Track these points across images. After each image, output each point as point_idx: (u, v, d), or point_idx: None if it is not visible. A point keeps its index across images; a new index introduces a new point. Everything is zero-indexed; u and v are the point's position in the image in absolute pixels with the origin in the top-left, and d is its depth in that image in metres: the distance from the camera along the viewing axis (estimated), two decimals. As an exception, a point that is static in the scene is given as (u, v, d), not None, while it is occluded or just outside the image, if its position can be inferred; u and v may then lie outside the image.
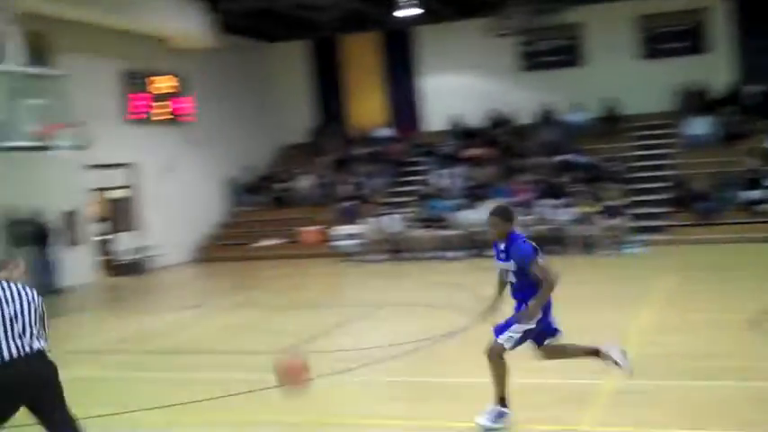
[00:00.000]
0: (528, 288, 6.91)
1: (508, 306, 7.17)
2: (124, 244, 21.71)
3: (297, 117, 27.92)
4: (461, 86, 26.53)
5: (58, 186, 19.30)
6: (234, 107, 26.12)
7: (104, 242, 21.39)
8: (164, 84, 23.20)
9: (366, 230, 21.31)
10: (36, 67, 15.92)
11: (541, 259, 6.91)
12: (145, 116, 22.56)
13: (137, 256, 21.61)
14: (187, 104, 23.83)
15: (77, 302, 17.35)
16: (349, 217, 22.33)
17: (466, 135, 25.45)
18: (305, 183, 25.01)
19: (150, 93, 22.77)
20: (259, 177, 26.49)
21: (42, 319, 5.86)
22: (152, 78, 22.85)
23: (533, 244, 6.99)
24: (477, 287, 14.93)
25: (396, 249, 20.65)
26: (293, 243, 22.64)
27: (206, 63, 24.48)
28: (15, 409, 5.73)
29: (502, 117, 25.45)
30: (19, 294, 5.77)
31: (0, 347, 5.57)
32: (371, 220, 21.62)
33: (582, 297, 13.04)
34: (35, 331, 5.75)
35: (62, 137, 15.01)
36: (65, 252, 19.20)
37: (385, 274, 18.93)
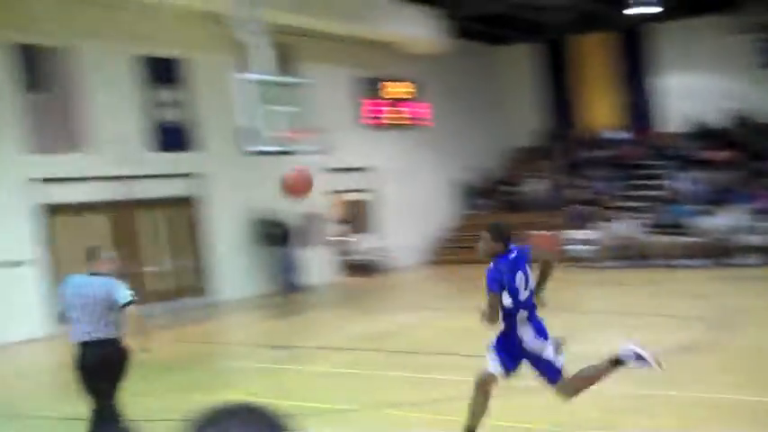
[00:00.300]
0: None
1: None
2: (362, 245, 22.51)
3: (526, 120, 27.73)
4: (699, 85, 25.29)
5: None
6: (464, 111, 26.35)
7: (342, 243, 22.26)
8: (398, 89, 23.83)
9: (600, 236, 20.76)
10: (282, 76, 16.79)
11: (492, 295, 6.52)
12: (380, 121, 23.27)
13: (372, 257, 22.33)
14: (423, 109, 24.34)
15: (317, 300, 18.17)
16: (579, 222, 21.87)
17: (705, 136, 24.22)
18: (535, 186, 24.78)
19: (384, 98, 23.46)
20: (489, 181, 26.56)
21: (114, 310, 6.73)
22: (385, 84, 23.53)
23: (499, 275, 6.56)
24: (717, 297, 14.23)
25: (631, 256, 19.97)
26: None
27: (438, 68, 24.84)
28: (89, 386, 6.68)
29: (743, 117, 24.00)
30: (98, 287, 6.79)
31: (75, 331, 6.64)
32: (605, 225, 21.05)
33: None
34: (105, 321, 6.64)
35: (305, 142, 15.70)
36: (306, 252, 20.17)
37: (619, 281, 18.33)
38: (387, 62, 23.45)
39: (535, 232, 22.09)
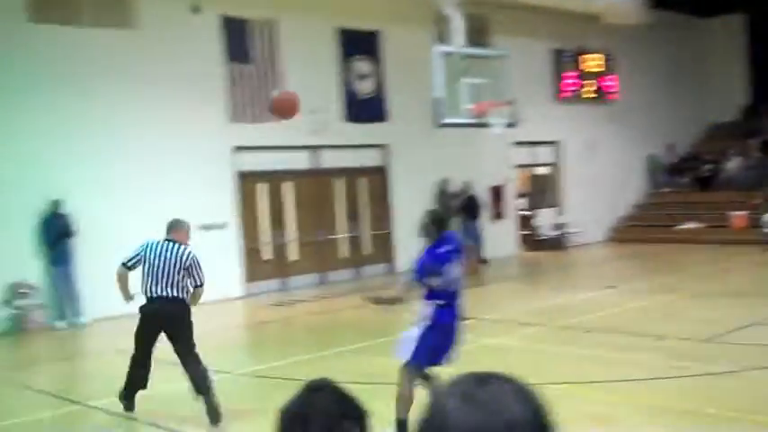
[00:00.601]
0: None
1: None
2: (544, 220, 22.42)
3: (727, 95, 26.50)
4: None
5: (487, 162, 20.47)
6: (659, 84, 25.49)
7: (526, 217, 22.27)
8: (592, 62, 23.40)
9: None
10: (477, 48, 16.94)
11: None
12: (573, 94, 22.97)
13: (556, 233, 22.21)
14: (615, 82, 23.79)
15: (498, 273, 18.33)
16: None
17: None
18: (733, 164, 23.70)
19: (579, 71, 23.10)
20: (682, 158, 25.65)
21: (189, 274, 7.95)
22: (582, 56, 23.16)
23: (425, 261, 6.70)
24: None
25: None
26: (718, 227, 21.58)
27: (634, 39, 24.13)
28: (156, 335, 8.00)
29: None
30: (172, 252, 7.93)
31: (149, 289, 7.81)
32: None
33: None
34: (176, 282, 7.86)
35: (496, 115, 15.81)
36: (490, 225, 20.37)
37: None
38: (581, 33, 23.02)
39: (733, 213, 21.28)
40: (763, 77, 26.13)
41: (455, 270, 6.95)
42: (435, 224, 7.21)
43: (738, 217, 21.24)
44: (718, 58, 26.93)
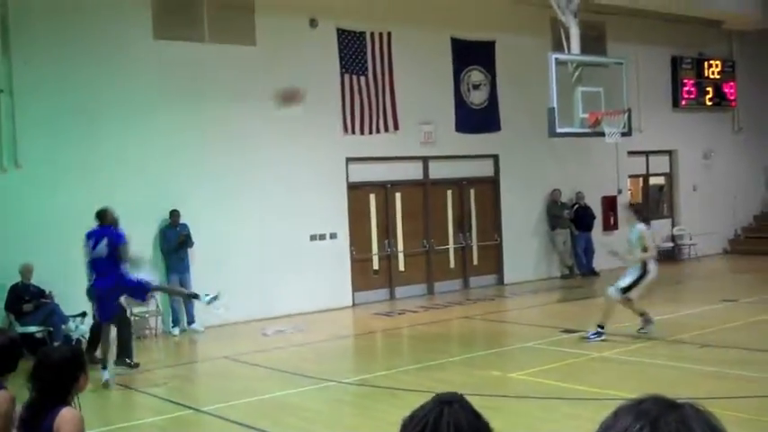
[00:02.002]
0: None
1: None
2: (660, 231, 21.80)
3: None
4: None
5: (600, 172, 20.10)
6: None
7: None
8: (712, 68, 22.70)
9: None
10: (593, 56, 16.70)
11: None
12: (691, 102, 22.32)
13: (670, 244, 21.60)
14: (732, 89, 23.02)
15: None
16: None
17: None
18: None
19: (698, 78, 22.44)
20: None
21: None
22: (701, 63, 22.50)
23: None
24: None
25: None
26: None
27: (759, 45, 23.33)
28: None
29: None
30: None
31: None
32: None
33: None
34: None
35: (611, 123, 15.53)
36: (602, 236, 19.98)
37: None
38: (700, 40, 22.39)
39: None
40: None
41: None
42: None
43: None
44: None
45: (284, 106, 12.38)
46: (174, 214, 14.30)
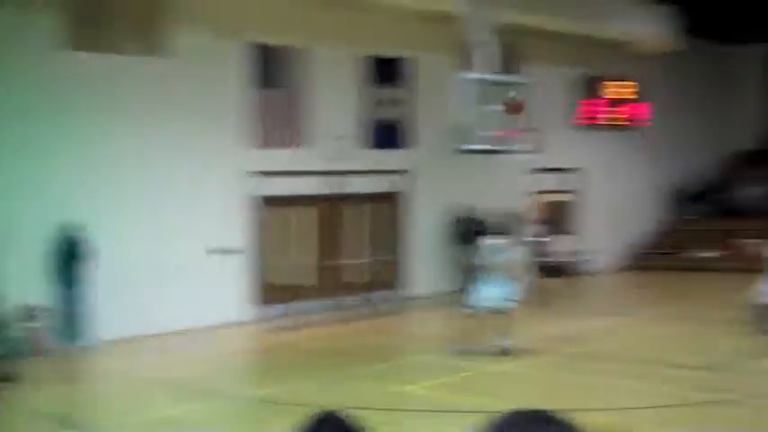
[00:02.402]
0: None
1: None
2: (559, 247, 22.42)
3: (750, 123, 26.52)
4: None
5: (506, 188, 20.49)
6: (686, 112, 25.49)
7: (539, 243, 22.23)
8: (618, 89, 23.53)
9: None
10: (502, 75, 17.14)
11: None
12: (595, 121, 23.08)
13: (572, 259, 22.21)
14: (642, 110, 23.89)
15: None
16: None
17: None
18: (752, 193, 23.73)
19: (604, 98, 23.27)
20: (703, 185, 25.67)
21: None
22: (607, 83, 23.35)
23: None
24: None
25: None
26: (735, 256, 21.61)
27: (663, 67, 24.17)
28: None
29: None
30: None
31: None
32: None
33: None
34: None
35: (518, 141, 15.91)
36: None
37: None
38: (610, 61, 23.08)
39: (750, 241, 21.34)
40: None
41: None
42: None
43: (750, 245, 21.22)
44: (743, 86, 27.00)
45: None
46: (68, 227, 13.73)
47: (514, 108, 15.47)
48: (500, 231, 12.43)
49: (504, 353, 11.78)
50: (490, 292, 11.92)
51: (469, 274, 19.29)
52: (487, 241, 12.18)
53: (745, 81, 26.86)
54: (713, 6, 22.18)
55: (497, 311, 11.90)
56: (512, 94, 14.94)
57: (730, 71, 27.01)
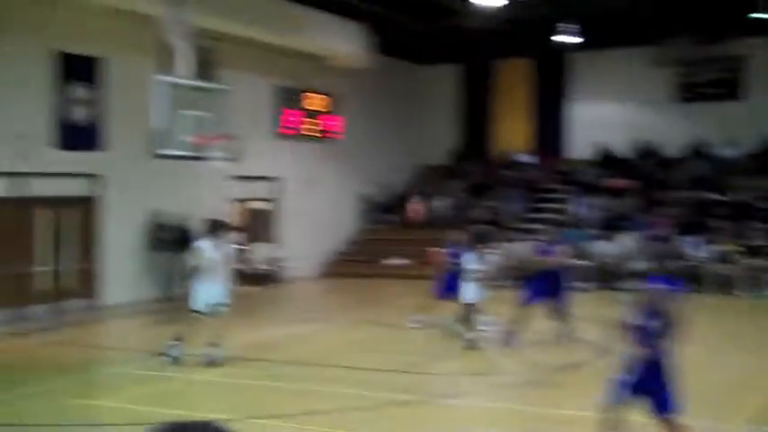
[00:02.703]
0: None
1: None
2: (259, 254, 22.54)
3: (442, 139, 28.23)
4: (612, 115, 26.18)
5: (205, 195, 20.24)
6: (379, 126, 26.68)
7: (241, 251, 22.22)
8: (316, 101, 24.08)
9: (496, 256, 21.28)
10: (202, 81, 16.83)
11: None
12: (293, 131, 23.43)
13: (270, 267, 22.38)
14: (337, 122, 24.62)
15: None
16: (481, 241, 22.32)
17: (610, 164, 25.14)
18: (439, 204, 25.29)
19: (301, 109, 23.66)
20: (394, 196, 26.96)
21: None
22: (306, 95, 23.77)
23: None
24: (603, 320, 14.84)
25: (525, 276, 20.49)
26: (423, 263, 22.74)
27: (359, 82, 25.07)
28: None
29: (649, 148, 25.00)
30: None
31: None
32: (503, 245, 21.63)
33: (712, 338, 12.88)
34: None
35: (216, 148, 15.71)
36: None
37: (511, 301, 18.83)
38: (308, 73, 23.60)
39: (434, 249, 22.63)
40: (470, 123, 28.21)
41: None
42: None
43: (439, 253, 22.45)
44: (435, 103, 28.72)
45: None
46: None
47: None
48: (205, 236, 12.12)
49: (212, 363, 11.50)
50: (206, 295, 11.68)
51: (184, 279, 18.81)
52: (199, 245, 11.83)
53: (437, 99, 28.56)
54: (405, 28, 23.32)
55: (213, 314, 11.70)
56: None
57: (423, 89, 28.62)
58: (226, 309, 11.97)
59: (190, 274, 11.84)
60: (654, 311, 6.76)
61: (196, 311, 11.74)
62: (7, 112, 16.20)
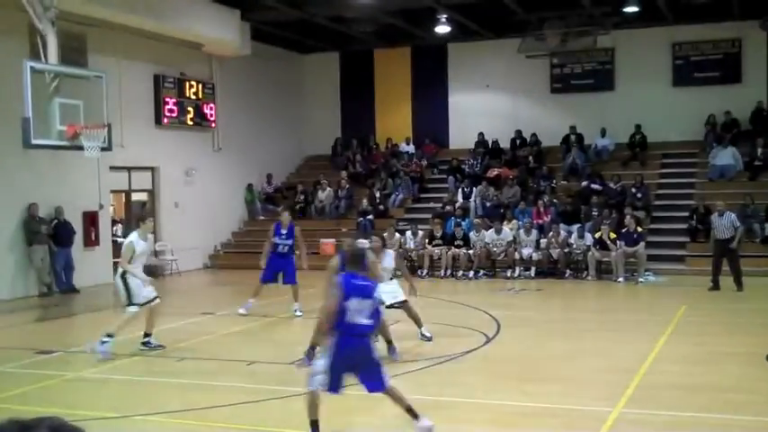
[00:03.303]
0: None
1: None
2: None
3: (323, 128, 28.04)
4: (490, 105, 26.59)
5: (81, 186, 19.51)
6: (261, 116, 26.26)
7: (121, 244, 21.51)
8: (194, 89, 23.45)
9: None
10: (75, 68, 16.14)
11: None
12: (173, 121, 22.77)
13: (152, 260, 21.72)
14: (212, 110, 24.07)
15: (89, 303, 17.47)
16: (365, 231, 22.34)
17: (490, 154, 25.51)
18: (325, 194, 25.07)
19: (180, 97, 22.98)
20: (278, 187, 26.59)
21: None
22: (183, 83, 23.09)
23: None
24: (487, 307, 15.04)
25: (409, 266, 20.60)
26: (312, 254, 22.47)
27: (237, 71, 24.68)
28: None
29: (528, 138, 25.50)
30: None
31: None
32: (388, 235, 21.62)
33: (594, 323, 13.13)
34: None
35: (90, 137, 15.13)
36: (83, 252, 19.47)
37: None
38: (183, 61, 23.02)
39: (323, 240, 22.49)
40: (352, 112, 28.12)
41: None
42: None
43: (327, 244, 22.39)
44: (316, 92, 28.50)
45: None
46: None
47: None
48: (132, 230, 11.95)
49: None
50: (141, 288, 11.68)
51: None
52: (131, 239, 11.63)
53: (318, 88, 28.39)
54: (276, 15, 22.99)
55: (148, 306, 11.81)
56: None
57: (306, 79, 28.39)
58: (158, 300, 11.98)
59: (122, 269, 11.52)
60: (351, 293, 7.07)
61: (135, 305, 11.55)
62: None
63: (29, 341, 13.17)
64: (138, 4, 18.84)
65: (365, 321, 7.09)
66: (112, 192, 21.13)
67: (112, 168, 20.23)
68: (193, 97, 23.44)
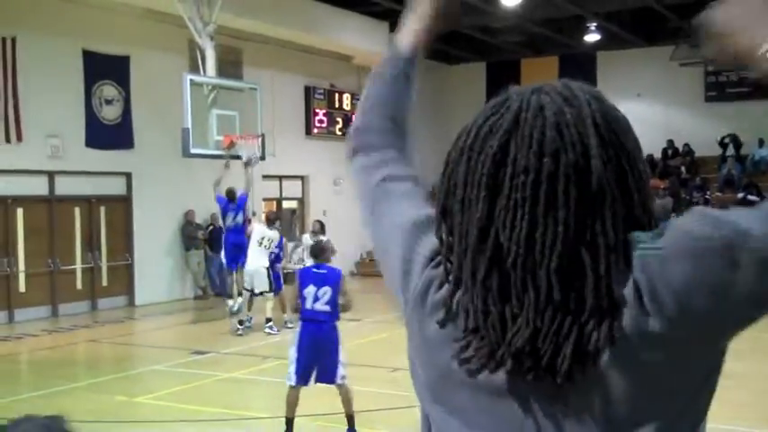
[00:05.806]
0: None
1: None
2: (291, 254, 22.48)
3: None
4: (641, 114, 25.71)
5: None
6: (419, 124, 26.46)
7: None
8: (343, 100, 23.95)
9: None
10: (227, 79, 16.82)
11: None
12: (323, 131, 23.33)
13: (300, 266, 22.25)
14: (362, 121, 24.45)
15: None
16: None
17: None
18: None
19: (330, 109, 23.51)
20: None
21: None
22: (333, 94, 23.62)
23: None
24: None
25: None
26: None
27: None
28: None
29: (680, 148, 24.72)
30: None
31: None
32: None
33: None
34: None
35: (246, 147, 15.67)
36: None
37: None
38: (333, 72, 23.56)
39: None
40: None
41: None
42: None
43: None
44: (462, 102, 28.47)
45: None
46: None
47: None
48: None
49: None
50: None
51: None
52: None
53: (465, 97, 28.30)
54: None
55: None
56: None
57: (450, 88, 28.50)
58: None
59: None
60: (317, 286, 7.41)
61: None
62: (40, 110, 16.21)
63: (185, 341, 13.79)
64: (290, 17, 19.43)
65: (324, 308, 7.40)
66: (264, 200, 21.84)
67: (265, 177, 20.91)
68: (343, 108, 23.94)
